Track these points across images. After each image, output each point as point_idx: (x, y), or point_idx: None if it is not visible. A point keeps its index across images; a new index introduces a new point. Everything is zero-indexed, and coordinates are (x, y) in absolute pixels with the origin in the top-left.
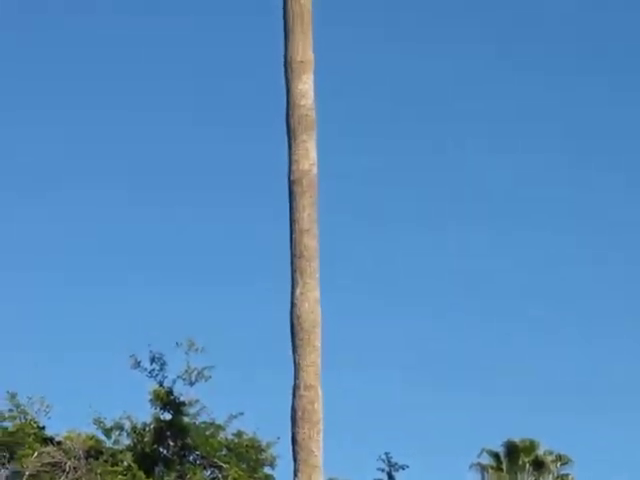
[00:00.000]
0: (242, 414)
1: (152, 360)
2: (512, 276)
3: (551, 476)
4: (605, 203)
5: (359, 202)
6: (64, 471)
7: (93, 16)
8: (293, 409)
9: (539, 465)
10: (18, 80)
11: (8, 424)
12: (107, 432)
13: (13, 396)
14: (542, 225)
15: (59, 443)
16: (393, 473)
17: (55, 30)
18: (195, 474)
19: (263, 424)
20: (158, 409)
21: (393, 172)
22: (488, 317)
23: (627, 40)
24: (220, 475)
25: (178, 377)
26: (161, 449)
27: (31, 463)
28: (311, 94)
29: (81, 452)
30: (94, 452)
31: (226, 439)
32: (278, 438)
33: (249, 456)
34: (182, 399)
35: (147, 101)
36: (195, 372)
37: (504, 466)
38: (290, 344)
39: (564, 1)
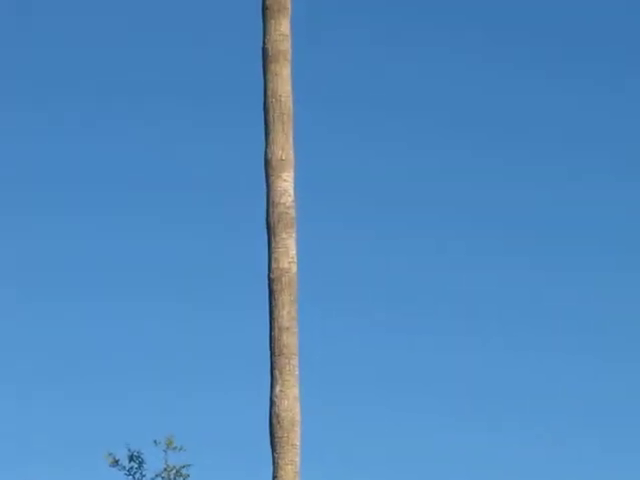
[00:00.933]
0: None
1: (130, 458)
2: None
3: None
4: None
5: (340, 298)
6: None
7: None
8: None
9: None
10: None
11: None
12: None
13: None
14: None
15: None
16: None
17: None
18: None
19: None
20: None
21: (375, 266)
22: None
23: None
24: None
25: (156, 476)
26: None
27: None
28: (291, 192)
29: None
30: None
31: None
32: None
33: None
34: None
35: (135, 208)
36: (173, 470)
37: None
38: (269, 442)
39: None
